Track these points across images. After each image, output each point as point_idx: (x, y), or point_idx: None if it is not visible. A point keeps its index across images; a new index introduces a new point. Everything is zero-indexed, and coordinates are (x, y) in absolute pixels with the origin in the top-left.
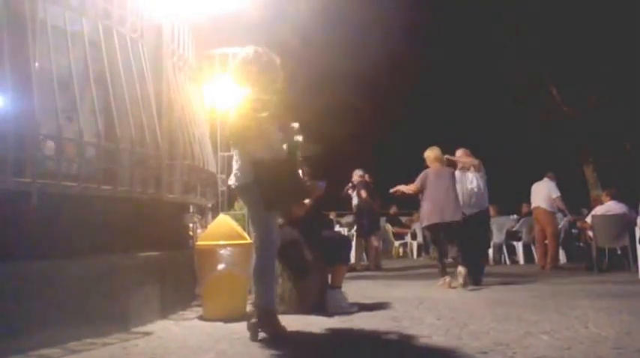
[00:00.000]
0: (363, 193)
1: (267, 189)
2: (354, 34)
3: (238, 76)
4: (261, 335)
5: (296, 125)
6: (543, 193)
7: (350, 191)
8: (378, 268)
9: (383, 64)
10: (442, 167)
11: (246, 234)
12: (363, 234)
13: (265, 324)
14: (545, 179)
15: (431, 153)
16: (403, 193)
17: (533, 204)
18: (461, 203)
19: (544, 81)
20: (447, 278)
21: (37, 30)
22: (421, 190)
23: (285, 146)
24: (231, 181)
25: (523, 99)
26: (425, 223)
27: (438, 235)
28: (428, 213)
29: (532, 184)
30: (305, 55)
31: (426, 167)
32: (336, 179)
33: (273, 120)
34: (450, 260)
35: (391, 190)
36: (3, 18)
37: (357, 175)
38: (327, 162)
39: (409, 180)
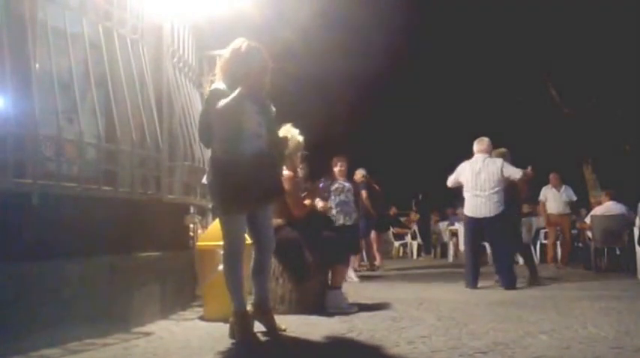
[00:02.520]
0: (364, 194)
1: (218, 189)
2: (355, 34)
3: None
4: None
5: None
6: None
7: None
8: (377, 269)
9: (383, 65)
10: None
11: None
12: (362, 235)
13: (236, 327)
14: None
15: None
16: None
17: None
18: None
19: (544, 82)
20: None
21: (37, 31)
22: None
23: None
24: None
25: (523, 100)
26: None
27: None
28: None
29: (532, 185)
30: (306, 55)
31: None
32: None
33: (233, 114)
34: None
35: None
36: (3, 19)
37: (359, 175)
38: (327, 162)
39: (409, 180)
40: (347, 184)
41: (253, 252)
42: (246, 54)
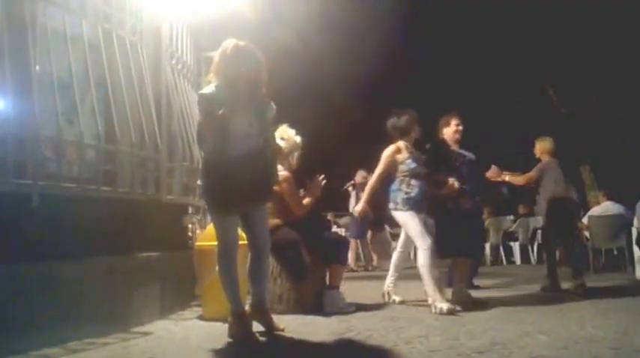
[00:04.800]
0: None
1: (208, 190)
2: (353, 34)
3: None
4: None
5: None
6: None
7: (350, 189)
8: (374, 269)
9: (381, 64)
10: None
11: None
12: (357, 236)
13: (234, 327)
14: None
15: (547, 144)
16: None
17: None
18: None
19: (542, 82)
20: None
21: (37, 33)
22: (537, 181)
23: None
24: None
25: (521, 101)
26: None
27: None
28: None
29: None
30: (304, 56)
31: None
32: (335, 181)
33: (222, 117)
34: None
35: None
36: (3, 21)
37: (360, 176)
38: (325, 163)
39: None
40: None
41: (249, 253)
42: (234, 54)
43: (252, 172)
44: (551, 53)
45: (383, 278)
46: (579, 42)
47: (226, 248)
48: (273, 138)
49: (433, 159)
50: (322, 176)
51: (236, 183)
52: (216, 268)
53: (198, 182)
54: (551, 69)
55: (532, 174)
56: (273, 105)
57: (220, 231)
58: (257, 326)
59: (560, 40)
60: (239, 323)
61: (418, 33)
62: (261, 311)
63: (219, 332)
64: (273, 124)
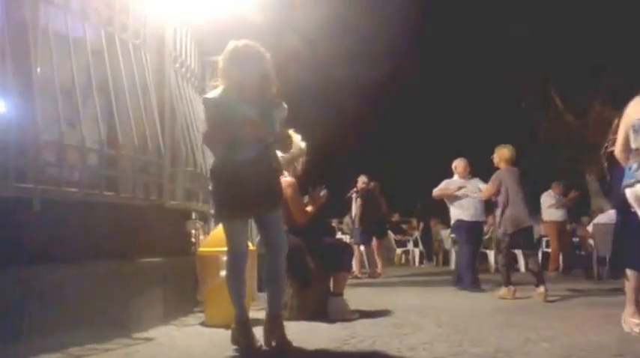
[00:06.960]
0: (360, 201)
1: (215, 195)
2: (359, 39)
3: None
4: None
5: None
6: (543, 204)
7: (353, 196)
8: (379, 276)
9: (386, 69)
10: (514, 168)
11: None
12: (361, 242)
13: (238, 333)
14: (549, 190)
15: (505, 152)
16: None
17: None
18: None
19: (547, 90)
20: (512, 288)
21: (38, 36)
22: (496, 193)
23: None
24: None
25: (526, 108)
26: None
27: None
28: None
29: (534, 193)
30: (309, 60)
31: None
32: (339, 186)
33: (227, 122)
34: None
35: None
36: (4, 24)
37: (361, 182)
38: (331, 168)
39: (409, 184)
40: None
41: (268, 256)
42: (237, 56)
43: (260, 177)
44: (557, 58)
45: (387, 285)
46: (585, 47)
47: (236, 257)
48: (286, 139)
49: None
50: (324, 187)
51: (244, 189)
52: (221, 274)
53: (210, 188)
54: (557, 74)
55: (490, 187)
56: (284, 105)
57: (230, 239)
58: (260, 332)
59: (566, 45)
60: (242, 329)
61: (426, 41)
62: (275, 327)
63: (221, 339)
64: (285, 125)
